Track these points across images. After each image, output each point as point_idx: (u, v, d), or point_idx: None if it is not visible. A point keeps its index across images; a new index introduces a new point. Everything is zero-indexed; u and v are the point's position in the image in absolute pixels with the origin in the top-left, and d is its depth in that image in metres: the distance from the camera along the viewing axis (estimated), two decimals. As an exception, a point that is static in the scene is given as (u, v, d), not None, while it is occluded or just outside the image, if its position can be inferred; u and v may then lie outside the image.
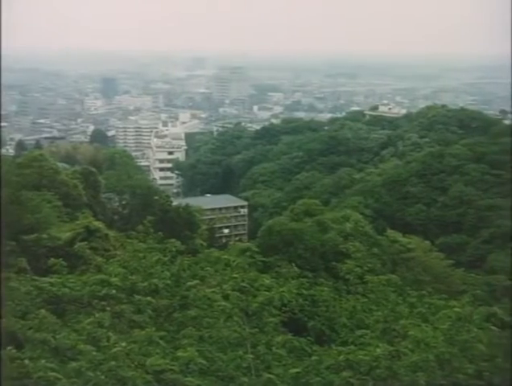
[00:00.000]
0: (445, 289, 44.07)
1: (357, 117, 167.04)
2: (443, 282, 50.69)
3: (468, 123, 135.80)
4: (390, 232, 62.65)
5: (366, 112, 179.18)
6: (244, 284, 11.38)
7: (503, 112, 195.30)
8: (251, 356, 9.69)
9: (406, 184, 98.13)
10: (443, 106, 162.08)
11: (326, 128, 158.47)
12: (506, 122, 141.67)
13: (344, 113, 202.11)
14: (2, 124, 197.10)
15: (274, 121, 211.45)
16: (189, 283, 11.81)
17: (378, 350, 9.63)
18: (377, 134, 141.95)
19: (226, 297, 11.32)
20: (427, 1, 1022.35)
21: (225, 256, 13.51)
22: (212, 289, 11.64)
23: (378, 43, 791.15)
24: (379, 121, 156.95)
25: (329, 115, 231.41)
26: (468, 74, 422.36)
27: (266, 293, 11.37)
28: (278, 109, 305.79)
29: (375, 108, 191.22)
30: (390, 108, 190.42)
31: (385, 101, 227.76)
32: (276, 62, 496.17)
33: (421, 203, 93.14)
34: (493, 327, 10.20)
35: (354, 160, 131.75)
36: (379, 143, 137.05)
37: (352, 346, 10.08)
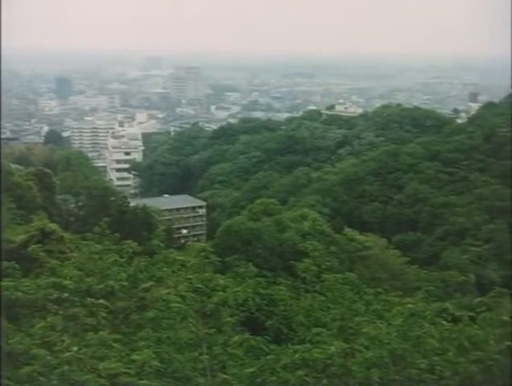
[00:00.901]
0: (401, 285, 44.77)
1: (313, 116, 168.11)
2: (399, 279, 51.37)
3: (422, 122, 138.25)
4: (348, 231, 63.16)
5: (323, 111, 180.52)
6: (199, 284, 11.36)
7: (456, 111, 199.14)
8: (207, 357, 9.67)
9: (363, 183, 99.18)
10: (399, 105, 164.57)
11: (283, 127, 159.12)
12: (459, 121, 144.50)
13: (301, 113, 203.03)
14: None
15: (231, 120, 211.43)
16: (144, 284, 11.72)
17: (333, 348, 9.72)
18: (333, 133, 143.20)
19: (182, 298, 11.27)
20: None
21: (180, 257, 13.46)
22: (167, 291, 11.58)
23: (334, 43, 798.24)
24: (336, 121, 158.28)
25: (286, 114, 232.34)
26: (422, 74, 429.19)
27: (221, 293, 11.37)
28: (235, 109, 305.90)
29: (332, 107, 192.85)
30: (346, 108, 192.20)
31: (341, 101, 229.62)
32: (233, 62, 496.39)
33: (377, 201, 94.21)
34: (444, 322, 10.39)
35: (311, 159, 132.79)
36: (336, 142, 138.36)
37: (308, 345, 10.15)
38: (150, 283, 11.95)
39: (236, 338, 10.54)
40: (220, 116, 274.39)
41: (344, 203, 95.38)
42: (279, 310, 17.08)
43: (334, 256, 51.27)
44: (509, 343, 9.89)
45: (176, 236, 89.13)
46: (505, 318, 11.65)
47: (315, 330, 10.89)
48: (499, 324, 12.18)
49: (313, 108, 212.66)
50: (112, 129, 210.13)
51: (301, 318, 14.00)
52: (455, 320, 10.82)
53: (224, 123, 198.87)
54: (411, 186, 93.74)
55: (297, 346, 10.41)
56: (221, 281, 11.73)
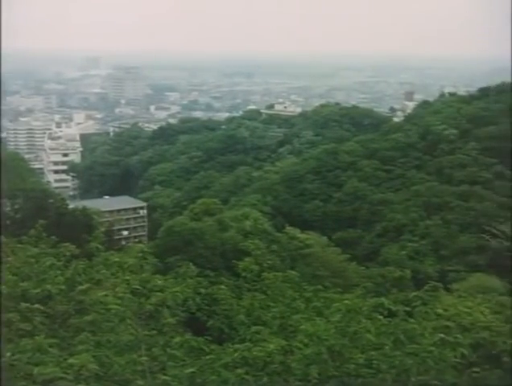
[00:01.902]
0: (342, 282, 45.31)
1: (253, 115, 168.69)
2: (340, 276, 51.93)
3: (360, 120, 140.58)
4: (289, 229, 63.59)
5: (263, 110, 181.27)
6: (136, 286, 11.26)
7: (392, 109, 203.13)
8: (145, 359, 9.60)
9: (303, 181, 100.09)
10: (337, 104, 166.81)
11: (223, 127, 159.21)
12: (396, 119, 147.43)
13: (241, 112, 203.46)
14: None
15: (171, 120, 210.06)
16: (80, 287, 11.52)
17: (272, 346, 9.80)
18: (273, 132, 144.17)
19: (120, 300, 11.14)
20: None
21: (117, 259, 13.31)
22: (104, 293, 11.42)
23: (273, 43, 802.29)
24: (275, 120, 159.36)
25: (226, 114, 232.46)
26: (359, 73, 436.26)
27: (159, 294, 11.30)
28: (175, 109, 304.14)
29: (271, 106, 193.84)
30: (285, 107, 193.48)
31: (280, 100, 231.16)
32: (172, 61, 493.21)
33: (318, 200, 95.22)
34: (380, 317, 10.58)
35: (252, 158, 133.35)
36: (276, 141, 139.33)
37: (248, 344, 10.19)
38: (87, 285, 11.76)
39: (177, 339, 10.50)
40: (159, 116, 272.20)
41: (285, 201, 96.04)
42: (221, 310, 17.07)
43: (276, 254, 51.57)
44: (442, 335, 10.17)
45: (117, 237, 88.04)
46: (440, 310, 12.00)
47: (254, 328, 10.94)
48: (434, 317, 12.53)
49: (253, 107, 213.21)
50: (49, 130, 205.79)
51: (242, 317, 14.05)
52: (391, 315, 11.04)
53: (164, 123, 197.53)
54: (350, 183, 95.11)
55: (237, 346, 10.45)
56: (159, 282, 11.67)
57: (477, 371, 9.91)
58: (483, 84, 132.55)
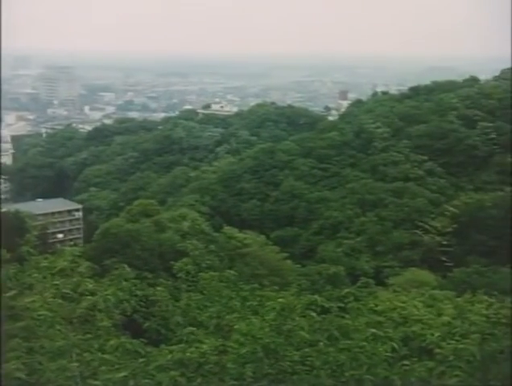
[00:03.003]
0: (280, 281, 45.69)
1: (190, 115, 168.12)
2: (278, 274, 52.30)
3: (295, 120, 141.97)
4: (227, 229, 63.67)
5: (199, 110, 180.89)
6: (66, 290, 11.06)
7: (327, 108, 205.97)
8: (76, 364, 9.44)
9: (241, 180, 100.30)
10: (273, 104, 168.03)
11: (160, 127, 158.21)
12: (330, 118, 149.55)
13: (177, 112, 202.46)
14: None
15: (106, 121, 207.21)
16: (9, 293, 11.22)
17: (205, 346, 9.79)
18: (210, 132, 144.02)
19: (49, 305, 10.92)
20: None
21: (46, 263, 13.05)
22: (32, 298, 11.16)
23: (209, 43, 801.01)
24: (212, 120, 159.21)
25: (163, 114, 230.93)
26: (294, 72, 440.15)
27: (90, 297, 11.14)
28: (110, 109, 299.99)
29: (208, 106, 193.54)
30: (222, 107, 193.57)
31: (217, 100, 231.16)
32: (106, 61, 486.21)
33: (255, 199, 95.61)
34: (314, 314, 10.72)
35: (189, 159, 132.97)
36: (213, 141, 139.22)
37: (183, 345, 10.16)
38: (15, 291, 11.44)
39: (111, 342, 10.36)
40: (94, 116, 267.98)
41: (222, 201, 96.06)
42: (158, 311, 16.99)
43: (214, 254, 51.67)
44: (374, 330, 10.39)
45: (52, 240, 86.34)
46: (372, 306, 12.26)
47: (188, 329, 10.89)
48: (366, 313, 12.79)
49: (189, 107, 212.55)
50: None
51: (178, 317, 13.99)
52: (325, 312, 11.20)
53: (98, 124, 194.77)
54: (287, 182, 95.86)
55: (171, 347, 10.40)
56: (90, 286, 11.49)
57: (407, 364, 10.17)
58: (414, 83, 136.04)
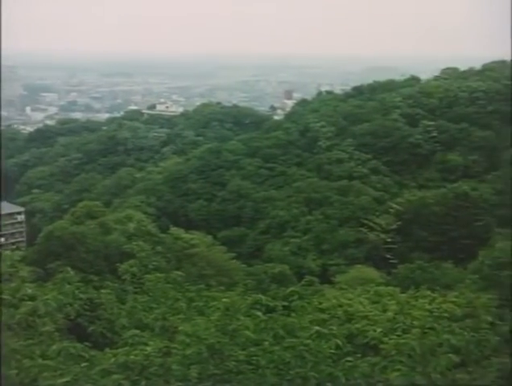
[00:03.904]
0: (228, 281, 45.71)
1: (135, 116, 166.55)
2: (225, 275, 52.27)
3: (241, 119, 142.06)
4: (174, 230, 63.17)
5: (144, 111, 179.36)
6: (5, 295, 10.81)
7: (273, 108, 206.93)
8: (15, 371, 9.22)
9: (187, 181, 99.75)
10: (218, 103, 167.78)
11: (104, 128, 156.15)
12: (276, 118, 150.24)
13: (122, 113, 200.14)
14: None
15: (49, 122, 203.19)
16: None
17: (149, 348, 9.71)
18: (156, 133, 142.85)
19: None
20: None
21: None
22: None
23: (153, 43, 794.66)
24: (157, 120, 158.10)
25: (107, 115, 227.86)
26: (240, 72, 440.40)
27: (30, 303, 10.91)
28: (52, 110, 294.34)
29: (153, 106, 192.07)
30: (167, 107, 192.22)
31: (162, 100, 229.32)
32: (48, 61, 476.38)
33: (202, 199, 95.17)
34: (259, 313, 10.75)
35: (134, 159, 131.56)
36: (159, 142, 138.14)
37: (127, 348, 10.04)
38: None
39: (53, 347, 10.17)
40: (36, 117, 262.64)
41: (169, 202, 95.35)
42: (103, 314, 16.77)
43: (161, 255, 51.24)
44: (318, 328, 10.50)
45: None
46: (316, 303, 12.38)
47: (131, 332, 10.78)
48: (311, 311, 12.92)
49: (134, 107, 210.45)
50: None
51: (123, 320, 13.83)
52: (268, 310, 11.24)
53: (41, 125, 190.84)
54: (234, 182, 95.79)
55: (116, 350, 10.28)
56: (29, 291, 11.25)
57: (351, 361, 10.32)
58: (357, 83, 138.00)
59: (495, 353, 9.93)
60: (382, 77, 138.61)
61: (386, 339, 11.00)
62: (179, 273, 16.85)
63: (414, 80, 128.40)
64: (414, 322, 11.72)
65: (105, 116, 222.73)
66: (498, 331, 10.67)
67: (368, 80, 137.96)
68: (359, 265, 63.95)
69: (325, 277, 60.40)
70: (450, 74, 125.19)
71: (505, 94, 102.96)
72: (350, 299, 21.55)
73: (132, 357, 9.44)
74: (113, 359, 9.50)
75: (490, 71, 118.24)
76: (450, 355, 9.46)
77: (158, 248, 52.84)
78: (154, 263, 47.14)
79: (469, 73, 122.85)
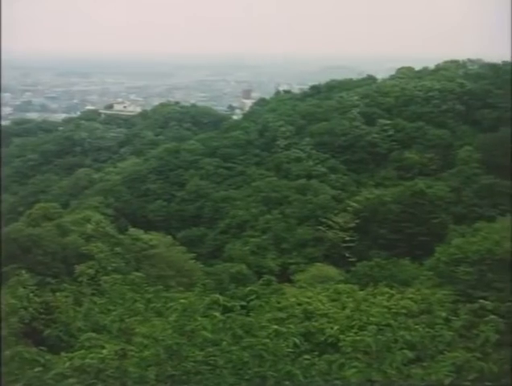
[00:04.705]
0: (187, 281, 45.72)
1: (92, 116, 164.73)
2: (185, 275, 52.27)
3: (200, 119, 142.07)
4: (132, 230, 62.82)
5: (101, 111, 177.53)
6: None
7: (231, 107, 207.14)
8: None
9: (146, 181, 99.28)
10: (177, 103, 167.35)
11: (61, 128, 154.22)
12: (235, 117, 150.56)
13: (78, 113, 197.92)
14: None
15: (3, 122, 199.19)
16: None
17: (105, 351, 9.65)
18: (114, 133, 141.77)
19: None
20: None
21: None
22: None
23: (109, 42, 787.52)
24: (115, 120, 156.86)
25: (63, 115, 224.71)
26: (198, 72, 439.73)
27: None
28: (6, 110, 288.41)
29: (110, 106, 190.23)
30: (125, 107, 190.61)
31: (120, 100, 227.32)
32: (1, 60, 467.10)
33: (161, 199, 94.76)
34: (216, 313, 10.78)
35: (92, 160, 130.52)
36: (117, 142, 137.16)
37: (83, 351, 9.96)
38: None
39: (6, 352, 9.99)
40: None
41: (127, 202, 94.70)
42: (59, 318, 16.55)
43: (120, 257, 50.96)
44: (276, 327, 10.58)
45: None
46: (274, 303, 12.44)
47: (87, 334, 10.70)
48: (269, 310, 12.98)
49: (91, 107, 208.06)
50: None
51: (79, 323, 13.69)
52: (225, 311, 11.27)
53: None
54: (193, 182, 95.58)
55: (71, 354, 10.17)
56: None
57: (308, 359, 10.43)
58: (315, 82, 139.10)
59: (449, 348, 10.13)
60: (340, 76, 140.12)
61: (342, 337, 11.13)
62: (139, 274, 16.75)
63: (370, 79, 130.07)
64: (371, 319, 11.87)
65: (61, 116, 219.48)
66: (452, 326, 10.89)
67: (325, 79, 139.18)
68: (318, 264, 64.44)
69: (285, 276, 60.79)
70: (405, 73, 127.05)
71: (458, 93, 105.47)
72: (309, 297, 21.73)
73: (88, 360, 9.35)
74: (68, 363, 9.40)
75: (444, 70, 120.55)
76: (405, 350, 9.63)
77: (117, 249, 52.48)
78: (113, 264, 46.82)
79: (424, 72, 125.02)
